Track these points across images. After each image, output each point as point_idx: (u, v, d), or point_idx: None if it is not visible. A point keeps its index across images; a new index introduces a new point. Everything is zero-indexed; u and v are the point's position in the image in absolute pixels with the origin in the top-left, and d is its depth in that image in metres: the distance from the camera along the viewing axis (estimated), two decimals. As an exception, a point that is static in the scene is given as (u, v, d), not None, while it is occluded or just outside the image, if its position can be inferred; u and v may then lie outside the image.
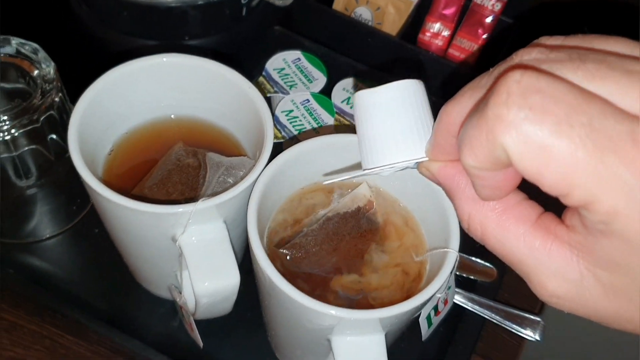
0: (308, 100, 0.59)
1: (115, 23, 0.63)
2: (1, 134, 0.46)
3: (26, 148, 0.48)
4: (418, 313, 0.42)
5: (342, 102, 0.58)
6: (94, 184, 0.39)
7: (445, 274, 0.39)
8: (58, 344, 0.51)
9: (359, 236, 0.43)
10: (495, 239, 0.27)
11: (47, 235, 0.54)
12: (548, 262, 0.25)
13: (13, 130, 0.46)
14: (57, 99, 0.48)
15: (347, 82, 0.60)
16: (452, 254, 0.40)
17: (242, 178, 0.45)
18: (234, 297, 0.42)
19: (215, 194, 0.45)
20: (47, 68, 0.48)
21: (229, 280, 0.40)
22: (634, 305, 0.25)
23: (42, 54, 0.49)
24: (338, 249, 0.43)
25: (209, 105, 0.48)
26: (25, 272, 0.53)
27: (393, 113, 0.30)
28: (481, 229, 0.27)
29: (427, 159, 0.30)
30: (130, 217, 0.41)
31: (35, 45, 0.49)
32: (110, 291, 0.53)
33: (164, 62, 0.46)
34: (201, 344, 0.47)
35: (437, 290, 0.39)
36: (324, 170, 0.45)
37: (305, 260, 0.43)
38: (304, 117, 0.57)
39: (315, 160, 0.44)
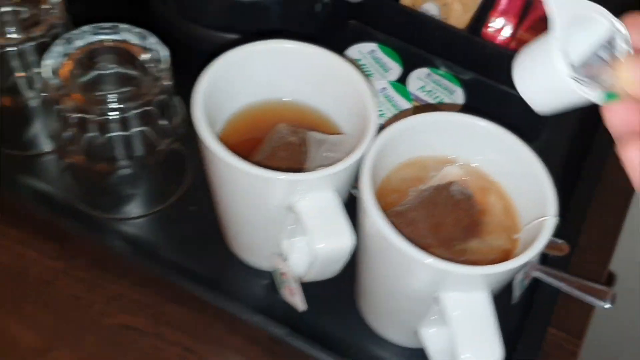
0: (385, 89, 0.63)
1: (195, 16, 0.66)
2: (115, 113, 0.50)
3: (135, 130, 0.52)
4: (513, 277, 0.46)
5: (418, 89, 0.62)
6: (222, 153, 0.43)
7: (545, 237, 0.43)
8: (161, 311, 0.55)
9: (452, 205, 0.46)
10: None
11: (146, 212, 0.58)
12: None
13: (127, 112, 0.50)
14: (168, 83, 0.52)
15: (421, 72, 0.63)
16: (551, 220, 0.43)
17: (344, 153, 0.49)
18: (347, 258, 0.46)
19: (322, 166, 0.49)
20: (158, 51, 0.52)
21: (346, 241, 0.44)
22: None
23: (151, 39, 0.53)
24: (434, 216, 0.46)
25: (311, 89, 0.52)
26: (125, 246, 0.56)
27: None
28: None
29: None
30: (250, 184, 0.44)
31: (144, 31, 0.53)
32: (208, 262, 0.56)
33: (275, 47, 0.50)
34: (303, 307, 0.51)
35: (537, 253, 0.43)
36: (424, 147, 0.49)
37: (404, 229, 0.47)
38: (383, 104, 0.62)
39: (416, 137, 0.48)
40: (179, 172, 0.59)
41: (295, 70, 0.51)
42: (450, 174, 0.48)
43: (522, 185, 0.47)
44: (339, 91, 0.51)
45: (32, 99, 0.57)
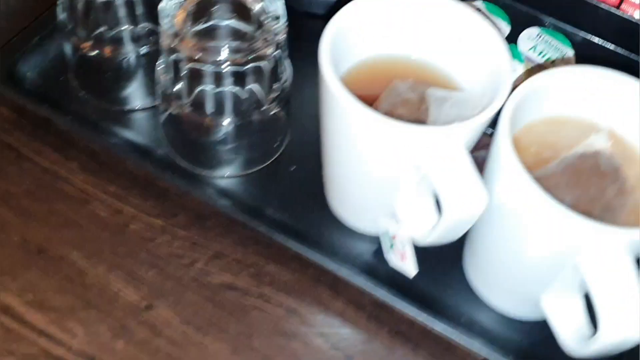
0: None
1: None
2: (229, 66, 0.48)
3: (247, 85, 0.50)
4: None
5: (529, 49, 0.59)
6: (349, 99, 0.41)
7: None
8: (263, 272, 0.53)
9: (599, 174, 0.44)
10: None
11: (248, 171, 0.56)
12: None
13: (241, 66, 0.48)
14: (282, 38, 0.50)
15: (531, 32, 0.60)
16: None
17: (471, 108, 0.47)
18: (475, 219, 0.43)
19: (448, 122, 0.46)
20: (275, 6, 0.50)
21: (481, 202, 0.42)
22: None
23: (269, -9, 0.51)
24: (577, 185, 0.44)
25: (436, 45, 0.49)
26: (228, 203, 0.54)
27: None
28: None
29: None
30: (377, 135, 0.42)
31: (257, -20, 0.51)
32: (311, 223, 0.54)
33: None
34: (414, 272, 0.49)
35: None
36: (564, 105, 0.46)
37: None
38: None
39: (554, 94, 0.45)
40: (280, 132, 0.57)
41: (424, 24, 0.49)
42: (596, 142, 0.45)
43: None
44: (468, 46, 0.48)
45: (135, 51, 0.56)
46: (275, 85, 0.52)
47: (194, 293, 0.52)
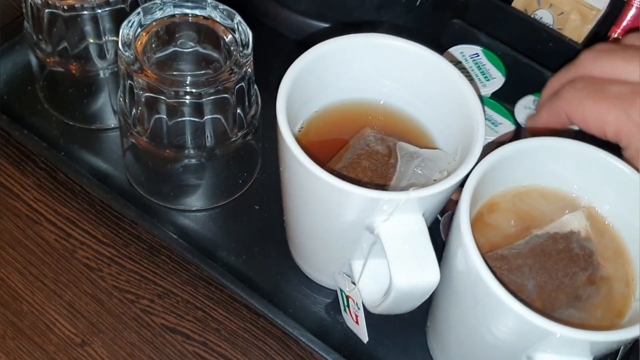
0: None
1: (290, 1, 0.61)
2: (189, 98, 0.45)
3: (210, 116, 0.47)
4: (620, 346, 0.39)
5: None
6: (303, 157, 0.38)
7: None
8: (210, 317, 0.50)
9: (569, 258, 0.40)
10: None
11: (208, 206, 0.53)
12: None
13: (203, 96, 0.45)
14: (250, 70, 0.47)
15: (528, 100, 0.56)
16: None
17: (439, 172, 0.43)
18: (428, 295, 0.40)
19: (410, 185, 0.43)
20: (244, 35, 0.47)
21: (431, 276, 0.38)
22: None
23: (238, 19, 0.48)
24: (544, 269, 0.40)
25: (406, 93, 0.46)
26: (182, 239, 0.51)
27: None
28: None
29: None
30: (332, 196, 0.39)
31: (231, 9, 0.48)
32: (267, 269, 0.51)
33: (371, 42, 0.44)
34: (366, 339, 0.45)
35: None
36: (532, 174, 0.42)
37: (505, 277, 0.40)
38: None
39: (525, 163, 0.41)
40: (249, 167, 0.54)
41: (393, 70, 0.45)
42: (571, 221, 0.41)
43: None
44: (441, 100, 0.44)
45: (103, 69, 0.53)
46: (241, 117, 0.49)
47: (133, 333, 0.49)
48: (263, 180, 0.55)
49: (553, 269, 0.39)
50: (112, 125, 0.55)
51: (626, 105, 0.42)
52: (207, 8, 0.48)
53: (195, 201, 0.53)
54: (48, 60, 0.52)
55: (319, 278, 0.50)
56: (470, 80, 0.56)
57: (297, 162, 0.39)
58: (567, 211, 0.42)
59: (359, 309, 0.45)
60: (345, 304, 0.47)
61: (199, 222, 0.53)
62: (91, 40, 0.51)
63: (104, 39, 0.51)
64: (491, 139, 0.53)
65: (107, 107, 0.55)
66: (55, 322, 0.49)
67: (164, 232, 0.51)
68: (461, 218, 0.37)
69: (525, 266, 0.39)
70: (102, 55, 0.52)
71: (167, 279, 0.51)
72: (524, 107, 0.54)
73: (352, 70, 0.45)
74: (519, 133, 0.53)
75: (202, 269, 0.50)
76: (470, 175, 0.39)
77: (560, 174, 0.42)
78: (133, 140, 0.49)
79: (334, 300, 0.50)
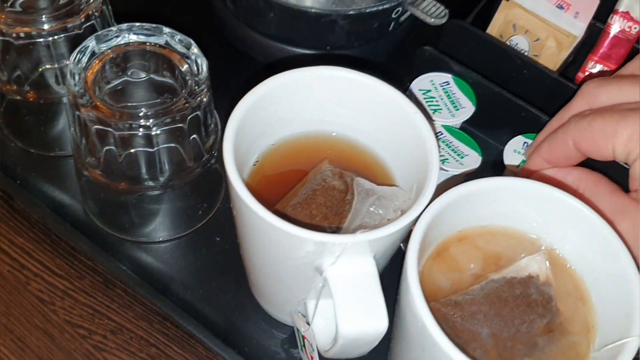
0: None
1: (259, 25, 0.60)
2: (142, 130, 0.44)
3: (164, 146, 0.45)
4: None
5: (518, 166, 0.53)
6: (252, 202, 0.36)
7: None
8: (164, 354, 0.48)
9: (525, 305, 0.38)
10: None
11: (166, 238, 0.52)
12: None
13: (155, 128, 0.44)
14: (205, 99, 0.45)
15: (518, 142, 0.54)
16: (634, 343, 0.35)
17: (393, 210, 0.42)
18: (377, 342, 0.38)
19: (364, 224, 0.41)
20: (199, 65, 0.46)
21: (378, 324, 0.36)
22: None
23: (194, 49, 0.46)
24: (500, 316, 0.38)
25: (365, 127, 0.45)
26: (138, 272, 0.50)
27: None
28: None
29: None
30: (279, 238, 0.37)
31: (188, 38, 0.47)
32: (226, 305, 0.49)
33: (327, 75, 0.42)
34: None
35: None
36: (489, 215, 0.41)
37: (458, 325, 0.38)
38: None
39: (480, 203, 0.40)
40: (210, 197, 0.52)
41: (350, 103, 0.44)
42: (530, 265, 0.39)
43: (608, 290, 0.38)
44: (397, 134, 0.43)
45: (61, 95, 0.51)
46: (199, 145, 0.47)
47: (85, 370, 0.48)
48: (225, 210, 0.53)
49: (509, 316, 0.38)
50: (68, 153, 0.54)
51: (636, 115, 0.40)
52: (164, 36, 0.47)
53: (153, 233, 0.51)
54: (5, 88, 0.51)
55: (276, 315, 0.48)
56: (438, 109, 0.55)
57: (242, 202, 0.37)
58: (525, 254, 0.40)
59: (313, 350, 0.43)
60: (302, 343, 0.46)
61: (157, 255, 0.51)
62: (47, 67, 0.50)
63: (59, 66, 0.50)
64: (457, 172, 0.51)
65: (66, 133, 0.54)
66: (4, 357, 0.47)
67: (117, 266, 0.50)
68: (408, 265, 0.36)
69: (480, 313, 0.38)
70: (59, 81, 0.51)
71: (121, 314, 0.50)
72: (514, 150, 0.52)
73: (307, 103, 0.44)
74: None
75: (157, 305, 0.49)
76: (420, 219, 0.37)
77: (521, 214, 0.41)
78: (86, 172, 0.47)
79: (292, 336, 0.48)
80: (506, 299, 0.38)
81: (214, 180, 0.52)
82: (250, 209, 0.37)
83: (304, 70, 0.42)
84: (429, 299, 0.38)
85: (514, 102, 0.56)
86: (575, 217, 0.39)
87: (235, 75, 0.58)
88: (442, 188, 0.39)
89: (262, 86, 0.41)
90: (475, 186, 0.39)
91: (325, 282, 0.38)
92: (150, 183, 0.47)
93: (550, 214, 0.40)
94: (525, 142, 0.53)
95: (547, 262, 0.40)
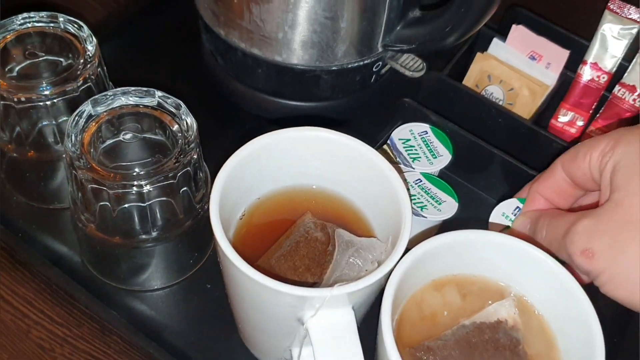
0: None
1: (248, 79, 0.63)
2: (135, 188, 0.47)
3: (156, 200, 0.48)
4: None
5: (502, 230, 0.54)
6: (234, 258, 0.39)
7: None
8: (159, 399, 0.51)
9: (494, 350, 0.41)
10: None
11: (159, 286, 0.54)
12: None
13: (148, 186, 0.47)
14: (195, 156, 0.48)
15: (508, 206, 0.54)
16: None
17: (371, 262, 0.45)
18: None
19: (343, 275, 0.44)
20: (189, 124, 0.49)
21: (355, 373, 0.39)
22: None
23: (184, 110, 0.49)
24: (470, 359, 0.40)
25: (345, 181, 0.47)
26: (133, 320, 0.53)
27: None
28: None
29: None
30: (261, 292, 0.40)
31: (177, 100, 0.50)
32: (217, 351, 0.52)
33: (308, 135, 0.45)
34: None
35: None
36: (460, 265, 0.43)
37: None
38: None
39: (452, 254, 0.43)
40: (200, 246, 0.55)
41: (329, 160, 0.47)
42: (499, 310, 0.42)
43: (572, 334, 0.41)
44: (373, 188, 0.46)
45: (59, 152, 0.54)
46: (189, 199, 0.50)
47: (83, 415, 0.50)
48: (216, 258, 0.56)
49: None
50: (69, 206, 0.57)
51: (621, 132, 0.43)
52: (156, 98, 0.50)
53: (147, 282, 0.54)
54: (7, 147, 0.54)
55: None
56: (417, 157, 0.58)
57: (227, 259, 0.40)
58: (494, 301, 0.43)
59: (301, 395, 0.46)
60: (290, 387, 0.48)
61: (151, 303, 0.54)
62: (46, 123, 0.53)
63: (56, 125, 0.53)
64: (435, 218, 0.54)
65: (64, 187, 0.57)
66: (5, 405, 0.50)
67: (113, 315, 0.52)
68: (383, 316, 0.38)
69: (451, 358, 0.40)
70: (57, 140, 0.54)
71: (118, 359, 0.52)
72: (502, 214, 0.51)
73: (290, 161, 0.47)
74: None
75: (151, 352, 0.51)
76: (394, 271, 0.40)
77: (491, 264, 0.43)
78: (82, 226, 0.50)
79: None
80: (476, 343, 0.41)
81: (204, 229, 0.55)
82: (235, 265, 0.39)
83: (285, 131, 0.45)
84: (405, 344, 0.41)
85: (488, 150, 0.59)
86: (539, 267, 0.42)
87: (227, 127, 0.61)
88: (420, 235, 0.42)
89: (246, 147, 0.44)
90: (447, 239, 0.42)
91: (306, 332, 0.41)
92: (144, 236, 0.50)
93: (517, 264, 0.43)
94: (517, 207, 0.51)
95: (516, 308, 0.42)
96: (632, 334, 0.54)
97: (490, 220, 0.51)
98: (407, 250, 0.41)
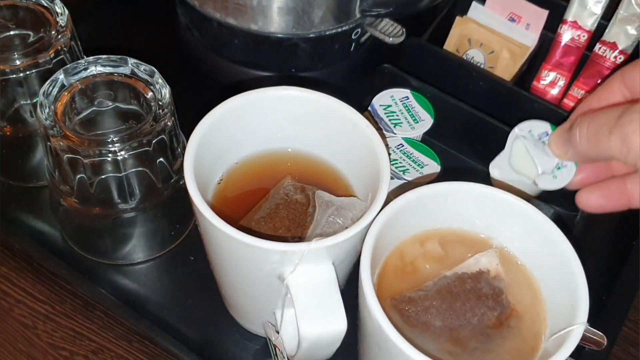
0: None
1: (225, 51, 0.62)
2: (110, 155, 0.46)
3: (133, 170, 0.48)
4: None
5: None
6: (210, 215, 0.39)
7: (569, 349, 0.36)
8: (145, 371, 0.50)
9: (475, 298, 0.40)
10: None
11: (142, 259, 0.54)
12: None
13: (123, 152, 0.46)
14: (169, 123, 0.48)
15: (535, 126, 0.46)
16: (580, 328, 0.37)
17: (351, 219, 0.44)
18: (339, 343, 0.40)
19: (323, 233, 0.44)
20: (162, 91, 0.48)
21: (337, 326, 0.38)
22: None
23: (157, 77, 0.49)
24: (452, 310, 0.40)
25: (322, 141, 0.47)
26: (116, 294, 0.52)
27: None
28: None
29: None
30: (240, 250, 0.39)
31: (151, 67, 0.49)
32: (202, 321, 0.51)
33: (281, 95, 0.45)
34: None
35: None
36: (441, 218, 0.43)
37: (414, 317, 0.40)
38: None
39: (431, 207, 0.42)
40: (182, 217, 0.55)
41: (305, 120, 0.46)
42: (481, 261, 0.41)
43: (555, 282, 0.40)
44: (351, 147, 0.45)
45: (36, 127, 0.54)
46: (167, 167, 0.50)
47: (68, 390, 0.49)
48: (198, 230, 0.55)
49: (461, 310, 0.40)
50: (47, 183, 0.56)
51: None
52: (129, 66, 0.49)
53: (129, 255, 0.53)
54: (-17, 124, 0.53)
55: (250, 327, 0.50)
56: (399, 123, 0.57)
57: (203, 217, 0.39)
58: (473, 253, 0.42)
59: (284, 357, 0.45)
60: (274, 352, 0.47)
61: (134, 276, 0.53)
62: (22, 102, 0.52)
63: (32, 102, 0.52)
64: (411, 178, 0.54)
65: (43, 164, 0.56)
66: (-12, 382, 0.49)
67: (96, 290, 0.52)
68: (362, 267, 0.38)
69: (433, 308, 0.40)
70: (33, 115, 0.53)
71: (101, 335, 0.51)
72: (497, 166, 0.47)
73: (264, 123, 0.46)
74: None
75: (135, 324, 0.50)
76: (373, 224, 0.39)
77: (471, 216, 0.43)
78: (61, 200, 0.50)
79: (265, 346, 0.50)
80: (457, 293, 0.40)
81: (185, 202, 0.54)
82: (213, 224, 0.39)
83: (258, 91, 0.44)
84: (387, 297, 0.41)
85: (470, 113, 0.58)
86: (521, 217, 0.41)
87: (202, 100, 0.60)
88: (395, 193, 0.42)
89: (219, 108, 0.43)
90: (426, 191, 0.41)
91: (287, 290, 0.40)
92: (122, 207, 0.50)
93: (498, 215, 0.42)
94: (546, 132, 0.45)
95: (497, 259, 0.42)
96: (621, 291, 0.54)
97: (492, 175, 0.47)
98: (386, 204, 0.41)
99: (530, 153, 0.44)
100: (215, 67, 0.63)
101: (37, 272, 0.54)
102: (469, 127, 0.59)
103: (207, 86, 0.64)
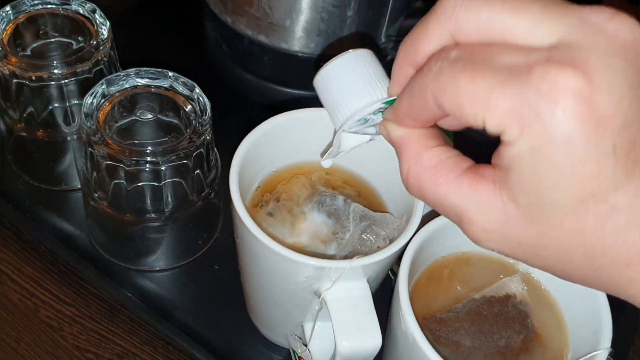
0: None
1: (254, 67, 0.64)
2: (149, 165, 0.47)
3: (169, 180, 0.49)
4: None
5: None
6: (256, 231, 0.40)
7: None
8: (168, 376, 0.51)
9: (503, 322, 0.42)
10: (430, 189, 0.31)
11: (168, 266, 0.55)
12: (475, 198, 0.29)
13: (163, 164, 0.47)
14: (208, 137, 0.49)
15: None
16: (602, 355, 0.39)
17: (383, 238, 0.46)
18: (372, 357, 0.42)
19: (355, 251, 0.45)
20: (203, 106, 0.50)
21: (373, 341, 0.40)
22: (551, 228, 0.27)
23: (198, 91, 0.50)
24: (481, 332, 0.42)
25: (358, 158, 0.48)
26: (142, 299, 0.53)
27: (350, 72, 0.35)
28: (418, 182, 0.31)
29: (389, 98, 0.34)
30: (279, 262, 0.41)
31: (191, 82, 0.51)
32: (226, 329, 0.53)
33: (320, 115, 0.46)
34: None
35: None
36: (470, 242, 0.45)
37: (445, 338, 0.42)
38: None
39: (460, 232, 0.44)
40: (209, 227, 0.56)
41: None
42: (508, 285, 0.43)
43: (579, 307, 0.42)
44: (386, 165, 0.47)
45: (68, 134, 0.55)
46: (201, 180, 0.51)
47: (92, 392, 0.50)
48: (223, 240, 0.57)
49: (489, 332, 0.42)
50: (78, 187, 0.58)
51: (519, 82, 0.27)
52: (169, 79, 0.51)
53: (156, 262, 0.55)
54: (16, 126, 0.54)
55: (274, 338, 0.52)
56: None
57: (245, 229, 0.41)
58: (503, 276, 0.44)
59: (310, 369, 0.47)
60: (298, 364, 0.49)
61: (159, 283, 0.54)
62: (56, 105, 0.53)
63: (69, 107, 0.53)
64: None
65: (72, 169, 0.57)
66: (15, 382, 0.50)
67: (122, 294, 0.53)
68: (400, 285, 0.39)
69: (462, 329, 0.42)
70: (67, 121, 0.54)
71: (126, 339, 0.53)
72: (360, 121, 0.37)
73: (304, 139, 0.47)
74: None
75: (160, 330, 0.52)
76: (409, 246, 0.41)
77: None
78: (94, 204, 0.51)
79: (288, 357, 0.52)
80: (486, 316, 0.42)
81: (212, 212, 0.56)
82: (254, 235, 0.40)
83: (299, 111, 0.46)
84: (419, 316, 0.42)
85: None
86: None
87: (232, 115, 0.62)
88: (433, 213, 0.43)
89: (261, 126, 0.45)
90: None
91: (322, 305, 0.42)
92: (154, 215, 0.51)
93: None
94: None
95: (523, 284, 0.44)
96: (632, 308, 0.56)
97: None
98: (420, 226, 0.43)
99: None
100: (243, 82, 0.65)
101: (63, 274, 0.55)
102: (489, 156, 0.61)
103: (235, 101, 0.65)
